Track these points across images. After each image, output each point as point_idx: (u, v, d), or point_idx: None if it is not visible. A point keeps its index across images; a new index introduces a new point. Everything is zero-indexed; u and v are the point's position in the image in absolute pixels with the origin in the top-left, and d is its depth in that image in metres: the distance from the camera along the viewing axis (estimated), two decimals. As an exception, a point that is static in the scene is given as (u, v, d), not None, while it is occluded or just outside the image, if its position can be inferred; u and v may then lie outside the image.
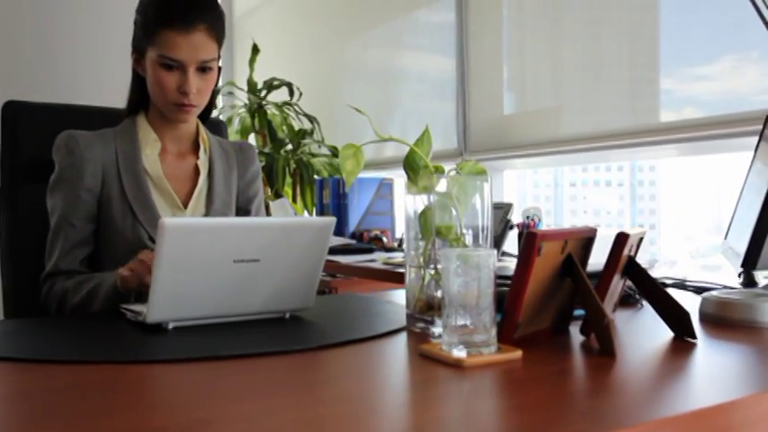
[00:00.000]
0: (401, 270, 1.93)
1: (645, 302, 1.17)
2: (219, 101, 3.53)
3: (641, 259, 1.03)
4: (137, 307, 1.07)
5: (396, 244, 2.68)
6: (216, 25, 1.29)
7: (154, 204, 1.32)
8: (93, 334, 1.02)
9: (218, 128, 1.66)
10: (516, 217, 2.20)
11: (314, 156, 3.27)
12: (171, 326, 0.98)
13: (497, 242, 2.11)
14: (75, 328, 1.07)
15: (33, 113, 1.48)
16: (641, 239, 1.05)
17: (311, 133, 3.33)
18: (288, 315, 1.09)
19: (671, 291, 1.10)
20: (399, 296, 1.31)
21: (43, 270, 1.33)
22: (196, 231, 0.96)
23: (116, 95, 1.45)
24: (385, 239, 2.63)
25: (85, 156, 1.31)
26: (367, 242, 2.61)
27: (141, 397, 0.70)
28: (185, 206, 1.37)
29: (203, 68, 1.30)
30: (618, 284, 1.01)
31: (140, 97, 1.39)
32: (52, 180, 1.33)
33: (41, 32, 2.26)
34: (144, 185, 1.33)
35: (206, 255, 0.96)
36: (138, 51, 1.34)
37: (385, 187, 2.81)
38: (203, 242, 0.96)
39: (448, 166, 1.02)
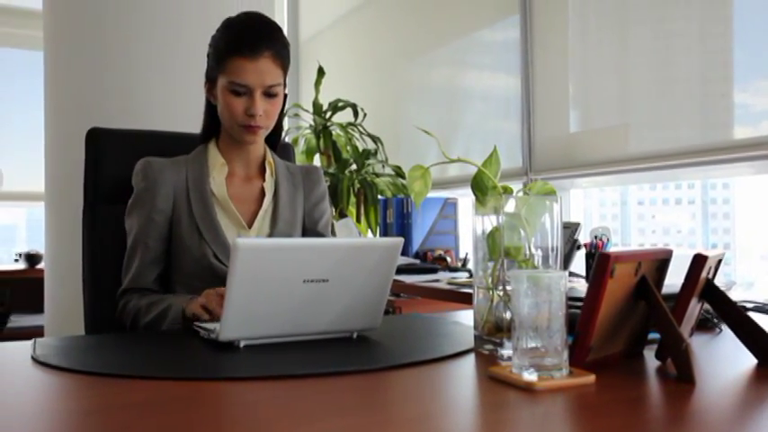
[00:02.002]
0: (466, 290, 1.92)
1: (724, 327, 1.13)
2: (285, 123, 3.62)
3: (717, 281, 1.00)
4: (209, 325, 1.11)
5: (459, 264, 2.67)
6: (281, 53, 1.38)
7: (219, 224, 1.40)
8: (170, 351, 1.05)
9: (285, 150, 1.70)
10: (583, 236, 2.15)
11: (378, 176, 3.30)
12: (242, 344, 1.00)
13: (564, 262, 2.07)
14: (153, 345, 1.11)
15: (115, 139, 1.56)
16: (720, 261, 1.01)
17: (375, 153, 3.36)
18: (355, 335, 1.10)
19: (752, 315, 1.05)
20: (466, 317, 1.30)
21: (119, 284, 1.42)
22: (268, 252, 0.98)
23: (189, 122, 1.52)
24: (449, 259, 2.62)
25: (158, 180, 1.40)
26: (431, 262, 2.60)
27: (216, 414, 0.72)
28: (250, 226, 1.43)
29: (269, 93, 1.37)
30: (695, 308, 0.97)
31: (212, 124, 1.47)
32: (130, 203, 1.43)
33: (124, 65, 2.38)
34: (210, 207, 1.40)
35: (277, 274, 0.98)
36: (211, 81, 1.43)
37: (449, 207, 2.80)
38: (275, 262, 0.98)
39: (513, 185, 1.02)
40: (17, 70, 4.24)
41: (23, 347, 1.01)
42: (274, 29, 1.39)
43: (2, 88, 4.24)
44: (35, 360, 0.92)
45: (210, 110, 1.46)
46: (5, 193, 3.85)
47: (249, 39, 1.34)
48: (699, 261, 0.90)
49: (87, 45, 2.41)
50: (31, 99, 3.65)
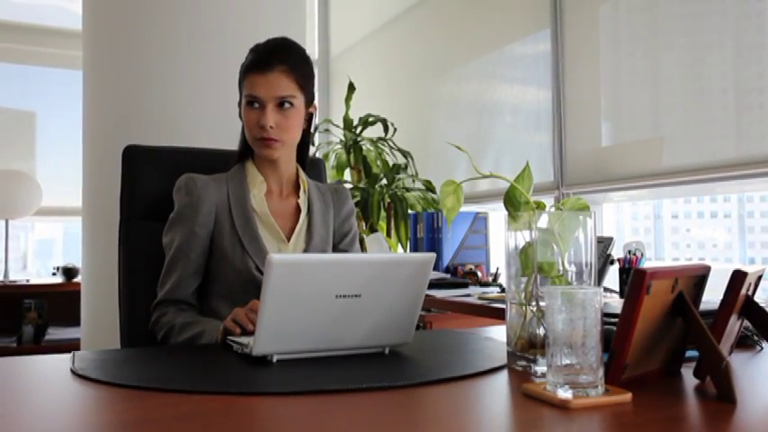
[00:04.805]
0: (497, 305, 1.91)
1: (765, 344, 1.11)
2: (316, 138, 3.65)
3: (757, 297, 0.98)
4: (243, 339, 1.12)
5: (490, 278, 2.65)
6: (295, 67, 1.43)
7: (261, 238, 1.44)
8: (204, 365, 1.07)
9: (316, 166, 1.72)
10: (616, 251, 2.12)
11: (408, 190, 3.30)
12: (275, 358, 1.01)
13: (597, 278, 2.04)
14: (188, 359, 1.13)
15: (151, 156, 1.59)
16: (759, 277, 0.99)
17: (405, 168, 3.37)
18: (387, 350, 1.10)
19: (794, 332, 1.03)
20: (498, 333, 1.29)
21: (154, 298, 1.44)
22: (301, 267, 0.99)
23: (224, 139, 1.56)
24: (479, 274, 2.61)
25: (202, 196, 1.44)
26: (461, 276, 2.59)
27: (249, 428, 0.72)
28: (288, 240, 1.48)
29: (282, 104, 1.42)
30: (735, 325, 0.95)
31: (246, 145, 1.51)
32: (171, 217, 1.46)
33: (161, 84, 2.43)
34: (252, 222, 1.45)
35: (310, 290, 0.99)
36: (239, 103, 1.48)
37: (479, 221, 2.79)
38: (307, 277, 0.99)
39: (544, 200, 1.01)
40: (57, 89, 4.36)
41: (62, 360, 1.03)
42: (291, 47, 1.45)
43: (42, 106, 4.36)
44: (74, 373, 0.94)
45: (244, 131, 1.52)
46: (44, 208, 3.94)
47: (263, 56, 1.42)
48: (738, 277, 0.88)
49: (125, 64, 2.47)
50: (70, 117, 3.75)
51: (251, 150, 1.51)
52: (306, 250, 1.47)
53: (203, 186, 1.45)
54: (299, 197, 1.52)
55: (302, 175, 1.55)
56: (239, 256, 1.41)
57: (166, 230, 1.45)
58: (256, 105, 1.41)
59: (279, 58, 1.41)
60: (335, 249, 1.58)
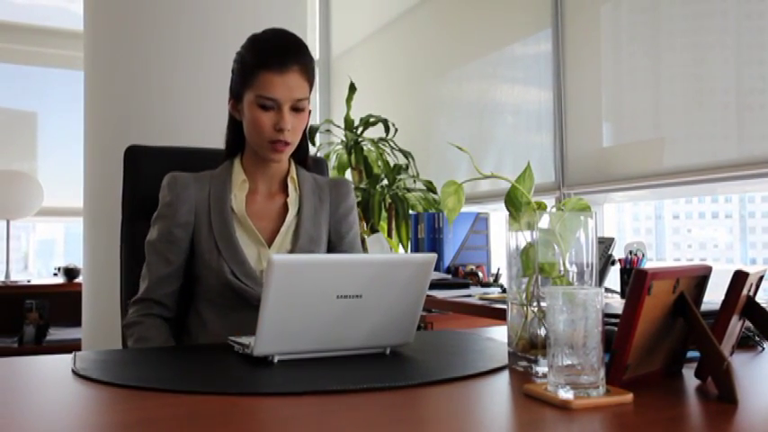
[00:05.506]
0: (498, 306, 1.90)
1: (766, 345, 1.10)
2: (317, 138, 3.66)
3: (758, 297, 0.98)
4: (244, 339, 1.11)
5: (491, 279, 2.65)
6: (307, 67, 1.36)
7: (237, 241, 1.38)
8: (206, 365, 1.07)
9: (319, 165, 1.71)
10: (617, 251, 2.12)
11: (409, 191, 3.30)
12: (276, 359, 1.01)
13: (599, 278, 2.04)
14: (189, 360, 1.13)
15: (152, 156, 1.59)
16: (761, 278, 0.99)
17: (406, 168, 3.37)
18: (388, 350, 1.09)
19: (795, 333, 1.02)
20: (499, 333, 1.29)
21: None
22: (302, 267, 0.99)
23: (222, 138, 1.54)
24: (480, 274, 2.61)
25: (181, 196, 1.40)
26: (462, 277, 2.59)
27: (250, 429, 0.72)
28: (270, 243, 1.41)
29: (296, 108, 1.35)
30: (736, 326, 0.95)
31: (236, 141, 1.45)
32: (153, 216, 1.43)
33: (162, 84, 2.44)
34: (229, 224, 1.39)
35: (311, 290, 0.99)
36: (236, 97, 1.40)
37: (480, 222, 2.79)
38: (309, 278, 0.99)
39: (545, 200, 1.01)
40: (58, 89, 4.37)
41: (64, 361, 1.03)
42: (300, 43, 1.38)
43: (43, 107, 4.37)
44: (75, 373, 0.94)
45: (234, 126, 1.45)
46: (45, 208, 3.95)
47: (277, 53, 1.33)
48: (740, 278, 0.88)
49: (126, 65, 2.47)
50: (71, 117, 3.75)
51: (240, 148, 1.45)
52: (291, 252, 1.41)
53: (184, 186, 1.40)
54: (288, 195, 1.45)
55: (293, 172, 1.47)
56: (215, 260, 1.36)
57: (150, 228, 1.42)
58: (269, 106, 1.33)
59: (294, 57, 1.33)
60: (335, 248, 1.51)
